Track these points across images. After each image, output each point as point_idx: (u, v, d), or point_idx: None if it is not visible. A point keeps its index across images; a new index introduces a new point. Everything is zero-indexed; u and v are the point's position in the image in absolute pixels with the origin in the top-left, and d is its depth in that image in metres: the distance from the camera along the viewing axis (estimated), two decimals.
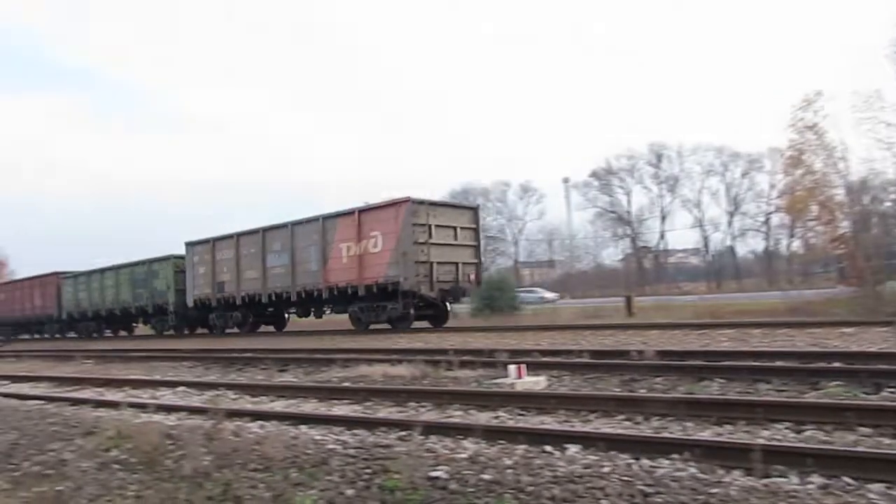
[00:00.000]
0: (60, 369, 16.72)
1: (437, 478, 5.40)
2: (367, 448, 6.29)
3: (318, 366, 13.29)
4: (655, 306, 27.00)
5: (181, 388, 11.51)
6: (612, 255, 71.89)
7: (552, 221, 73.12)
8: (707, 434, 6.29)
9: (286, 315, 27.35)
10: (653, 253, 69.86)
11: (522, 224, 74.95)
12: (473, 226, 22.08)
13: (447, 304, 21.50)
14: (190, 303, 27.51)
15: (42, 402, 11.04)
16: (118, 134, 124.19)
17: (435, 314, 21.51)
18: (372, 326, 21.68)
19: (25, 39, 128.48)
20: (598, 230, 70.90)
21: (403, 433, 6.73)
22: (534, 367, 10.40)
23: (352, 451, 6.28)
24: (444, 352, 12.64)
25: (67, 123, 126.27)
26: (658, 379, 9.37)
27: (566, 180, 59.00)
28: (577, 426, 6.98)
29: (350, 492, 5.53)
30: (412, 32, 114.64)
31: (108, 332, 35.15)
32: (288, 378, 12.62)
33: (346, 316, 22.83)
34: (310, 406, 9.32)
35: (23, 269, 62.44)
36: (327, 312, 24.21)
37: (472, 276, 21.62)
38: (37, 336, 38.76)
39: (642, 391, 8.82)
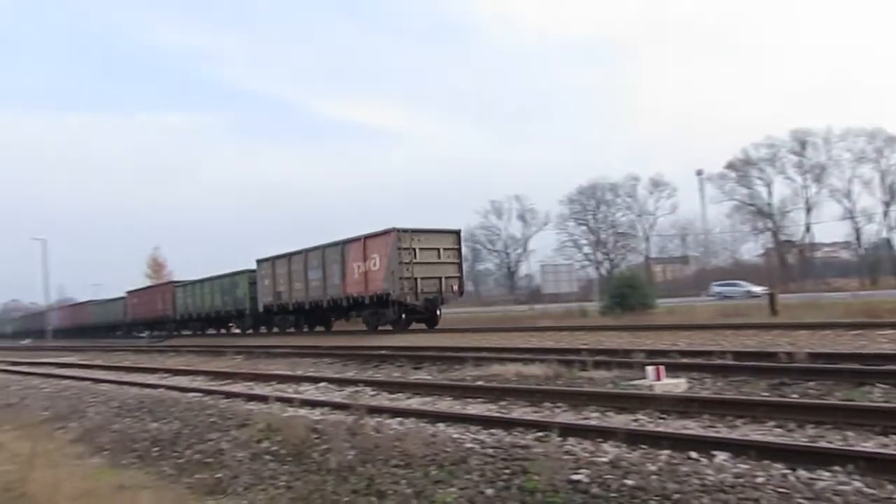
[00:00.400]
0: (214, 364, 17.93)
1: (578, 481, 5.32)
2: (505, 448, 6.30)
3: (451, 364, 13.49)
4: (802, 304, 25.30)
5: (322, 384, 12.03)
6: (752, 250, 68.36)
7: (685, 216, 70.50)
8: (871, 445, 5.83)
9: (331, 318, 31.53)
10: (797, 247, 65.64)
11: (653, 219, 72.74)
12: (455, 247, 26.20)
13: (437, 310, 25.81)
14: (260, 308, 33.27)
15: (200, 394, 11.89)
16: (261, 142, 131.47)
17: (426, 318, 25.86)
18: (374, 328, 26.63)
19: (179, 59, 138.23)
20: (736, 224, 67.60)
21: (541, 434, 6.68)
22: (672, 369, 10.05)
23: (490, 451, 6.32)
24: (577, 351, 12.48)
25: (214, 133, 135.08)
26: (811, 383, 8.80)
27: (700, 173, 56.70)
28: (724, 432, 6.67)
29: (490, 491, 5.56)
30: (528, 25, 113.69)
31: (210, 331, 40.58)
32: (422, 376, 12.89)
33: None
34: (445, 404, 9.46)
35: (179, 270, 68.16)
36: (353, 315, 29.01)
37: (455, 287, 25.93)
38: (163, 333, 43.68)
39: (794, 396, 8.30)
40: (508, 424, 7.28)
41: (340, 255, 27.56)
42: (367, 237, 26.45)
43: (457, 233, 26.58)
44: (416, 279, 24.89)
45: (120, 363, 20.25)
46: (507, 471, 5.81)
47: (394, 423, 7.90)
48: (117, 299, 51.88)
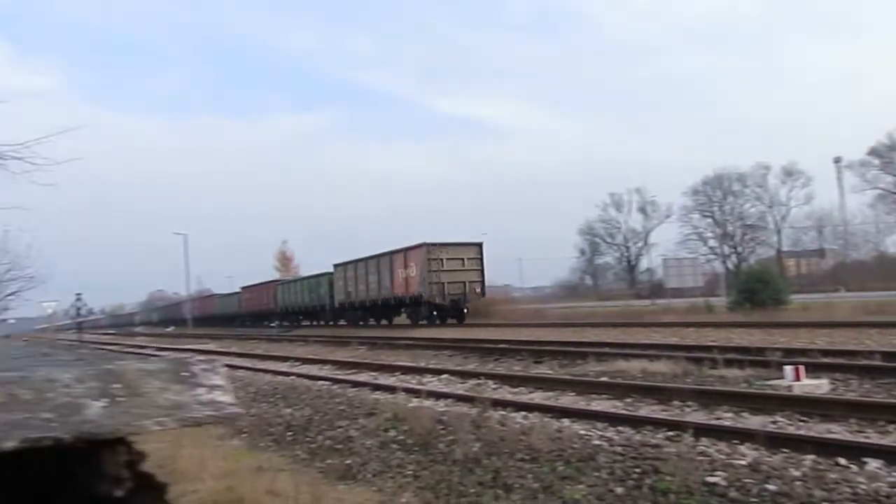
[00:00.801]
0: (339, 354, 18.57)
1: (714, 484, 5.12)
2: (635, 447, 6.16)
3: (573, 359, 13.31)
4: None
5: (445, 376, 12.19)
6: None
7: (822, 206, 66.05)
8: None
9: (392, 313, 36.88)
10: None
11: (786, 210, 68.68)
12: (478, 256, 32.50)
13: (463, 308, 31.47)
14: (336, 305, 39.48)
15: (328, 383, 12.36)
16: (376, 140, 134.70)
17: (453, 315, 31.50)
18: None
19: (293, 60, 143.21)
20: (880, 214, 62.64)
21: (672, 433, 6.48)
22: (812, 369, 9.47)
23: (618, 449, 6.19)
24: (706, 349, 12.00)
25: (329, 131, 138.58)
26: None
27: (838, 160, 52.99)
28: (875, 438, 6.21)
29: (620, 490, 5.44)
30: (657, 12, 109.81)
31: (304, 322, 44.92)
32: (544, 370, 12.80)
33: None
34: (568, 399, 9.36)
35: (306, 263, 70.79)
36: (402, 314, 35.26)
37: (478, 290, 32.04)
38: (272, 325, 47.52)
39: None
40: (637, 422, 7.10)
41: (389, 264, 34.03)
42: (407, 249, 33.11)
43: (479, 245, 32.90)
44: (443, 283, 31.00)
45: (253, 351, 21.35)
46: (637, 470, 5.67)
47: (518, 416, 7.89)
48: (234, 294, 58.81)
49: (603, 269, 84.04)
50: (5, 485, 1.10)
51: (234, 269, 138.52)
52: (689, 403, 8.28)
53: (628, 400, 8.91)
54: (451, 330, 26.18)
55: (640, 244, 78.21)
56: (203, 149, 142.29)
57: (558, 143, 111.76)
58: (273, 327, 45.53)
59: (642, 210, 76.82)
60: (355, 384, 11.86)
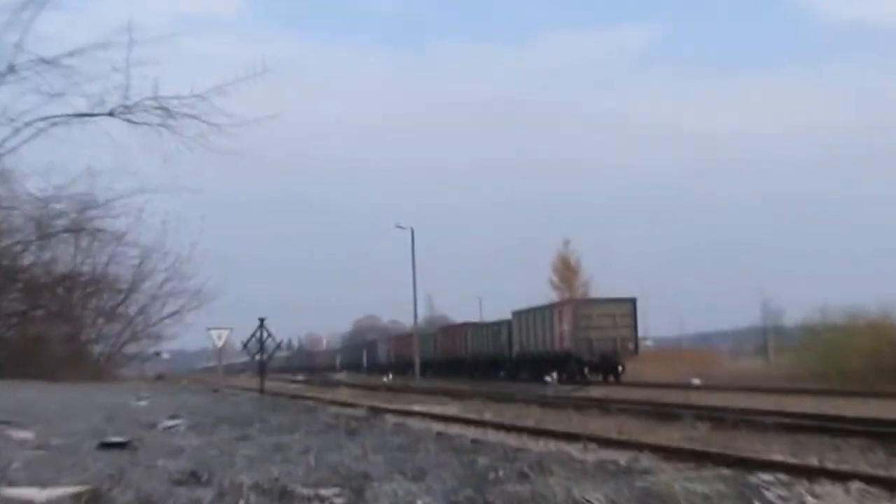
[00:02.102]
0: (663, 434, 10.98)
1: None
2: None
3: None
4: None
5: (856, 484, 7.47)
6: None
7: None
8: None
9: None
10: None
11: None
12: (630, 313, 32.62)
13: (616, 366, 31.47)
14: (513, 355, 37.53)
15: None
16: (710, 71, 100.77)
17: (602, 371, 31.81)
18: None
19: None
20: None
21: None
22: None
23: None
24: None
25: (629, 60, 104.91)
26: None
27: None
28: None
29: None
30: None
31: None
32: None
33: None
34: None
35: (604, 278, 53.73)
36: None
37: (630, 346, 32.36)
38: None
39: None
40: None
41: (551, 316, 34.76)
42: (562, 304, 36.52)
43: (632, 301, 32.87)
44: (591, 340, 31.68)
45: (522, 422, 13.12)
46: None
47: None
48: (431, 334, 49.55)
49: None
50: None
51: (486, 286, 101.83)
52: None
53: None
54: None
55: None
56: (432, 101, 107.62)
57: None
58: (547, 383, 29.59)
59: None
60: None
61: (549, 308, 36.18)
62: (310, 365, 73.14)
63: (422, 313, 52.48)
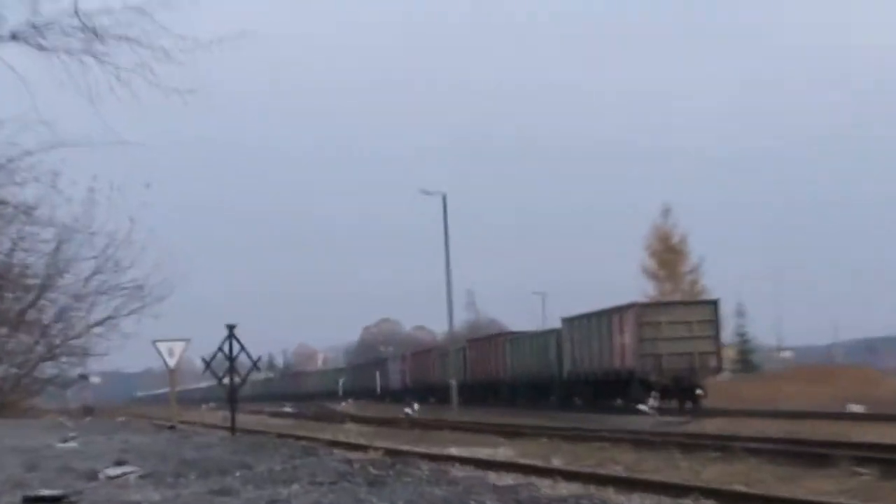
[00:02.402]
0: (810, 485, 8.07)
1: None
2: None
3: None
4: None
5: None
6: None
7: None
8: None
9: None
10: None
11: None
12: (711, 318, 25.92)
13: (694, 389, 24.45)
14: (563, 375, 30.26)
15: None
16: None
17: (678, 397, 24.79)
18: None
19: None
20: None
21: None
22: None
23: None
24: None
25: None
26: None
27: None
28: None
29: None
30: None
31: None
32: None
33: None
34: None
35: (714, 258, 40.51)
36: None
37: (713, 364, 25.73)
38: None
39: None
40: None
41: (609, 325, 27.29)
42: (621, 309, 26.98)
43: (713, 303, 27.08)
44: (660, 356, 25.03)
45: (607, 469, 10.23)
46: None
47: None
48: (460, 349, 37.51)
49: None
50: None
51: (551, 279, 70.10)
52: None
53: None
54: None
55: None
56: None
57: None
58: (646, 412, 21.25)
59: None
60: None
61: (606, 314, 27.81)
62: (298, 390, 56.94)
63: (460, 316, 40.61)
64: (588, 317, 29.16)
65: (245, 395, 27.93)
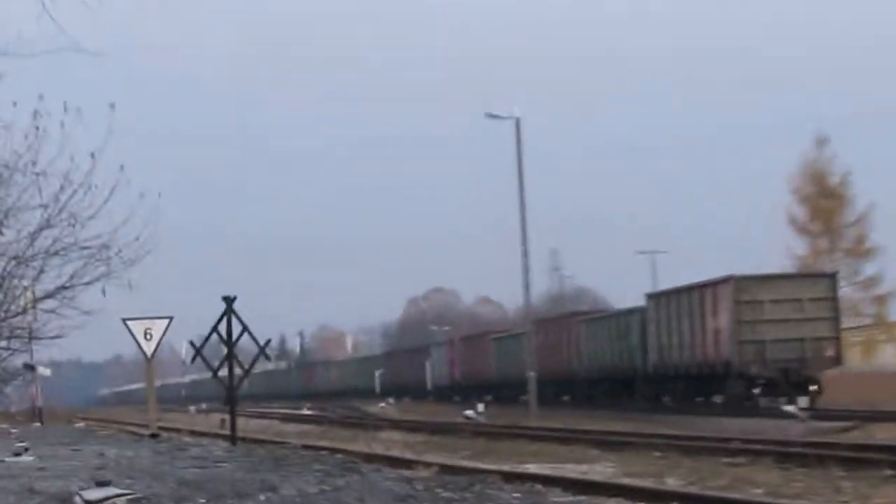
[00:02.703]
0: None
1: None
2: None
3: None
4: None
5: None
6: None
7: None
8: None
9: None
10: None
11: None
12: (829, 296, 21.68)
13: (808, 384, 20.44)
14: (648, 368, 25.73)
15: None
16: None
17: (783, 392, 20.42)
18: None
19: None
20: None
21: None
22: None
23: None
24: None
25: None
26: None
27: None
28: None
29: None
30: None
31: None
32: None
33: None
34: None
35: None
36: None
37: (830, 353, 21.23)
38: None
39: None
40: None
41: (700, 304, 22.78)
42: (714, 283, 22.54)
43: (831, 276, 23.10)
44: (763, 343, 20.95)
45: (741, 491, 7.39)
46: None
47: None
48: (518, 335, 29.98)
49: None
50: None
51: (662, 236, 56.06)
52: None
53: None
54: None
55: None
56: None
57: None
58: (794, 415, 19.10)
59: None
60: None
61: (697, 290, 23.01)
62: (315, 387, 44.86)
63: (540, 285, 33.00)
64: (677, 293, 24.39)
65: (243, 394, 23.88)
